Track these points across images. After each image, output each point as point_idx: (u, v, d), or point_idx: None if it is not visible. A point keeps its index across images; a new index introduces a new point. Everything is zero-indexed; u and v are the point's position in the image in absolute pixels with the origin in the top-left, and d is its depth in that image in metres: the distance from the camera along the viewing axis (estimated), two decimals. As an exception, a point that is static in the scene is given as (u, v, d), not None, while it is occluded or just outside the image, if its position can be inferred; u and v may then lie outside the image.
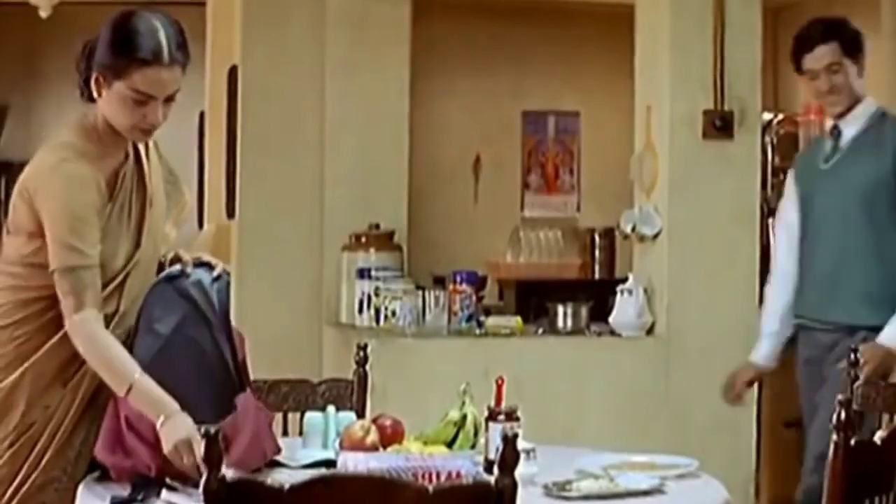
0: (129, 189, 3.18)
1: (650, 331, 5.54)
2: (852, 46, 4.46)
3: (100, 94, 3.09)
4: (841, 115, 4.48)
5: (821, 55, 4.43)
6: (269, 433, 3.11)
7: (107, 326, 3.09)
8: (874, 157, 4.37)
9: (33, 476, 3.07)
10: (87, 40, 3.15)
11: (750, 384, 4.76)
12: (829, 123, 4.58)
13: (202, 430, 2.26)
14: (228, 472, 2.25)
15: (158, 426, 2.94)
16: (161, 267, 3.24)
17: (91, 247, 3.02)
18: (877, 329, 4.25)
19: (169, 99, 3.10)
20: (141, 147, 3.23)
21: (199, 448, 2.82)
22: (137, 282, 3.16)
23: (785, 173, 4.88)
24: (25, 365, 3.09)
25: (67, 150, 3.10)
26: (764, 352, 4.65)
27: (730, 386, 4.69)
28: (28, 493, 3.07)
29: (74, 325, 3.01)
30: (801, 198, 4.54)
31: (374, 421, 3.32)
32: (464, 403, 3.37)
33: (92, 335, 3.02)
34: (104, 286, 3.10)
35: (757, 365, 4.67)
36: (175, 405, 2.96)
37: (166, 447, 2.91)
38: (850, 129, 4.47)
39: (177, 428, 2.92)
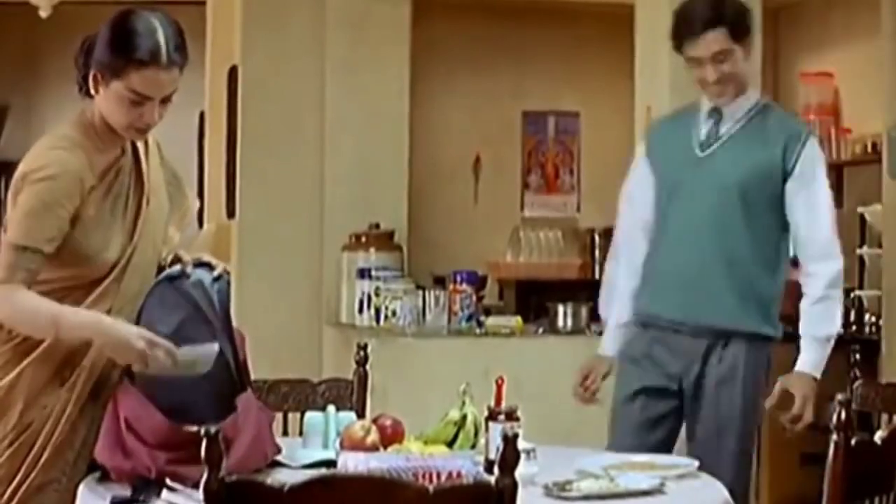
0: (126, 184, 3.18)
1: (650, 331, 5.53)
2: (741, 30, 3.91)
3: (97, 92, 3.09)
4: (724, 101, 3.98)
5: (706, 43, 3.87)
6: (269, 434, 3.11)
7: None
8: (758, 151, 3.90)
9: (32, 476, 3.07)
10: (87, 36, 3.16)
11: (604, 378, 4.22)
12: (706, 104, 3.99)
13: (203, 429, 2.26)
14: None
15: (99, 343, 3.00)
16: (161, 268, 3.24)
17: (46, 235, 3.02)
18: (754, 336, 3.89)
19: (166, 99, 3.10)
20: (140, 145, 3.24)
21: (158, 338, 2.95)
22: (135, 282, 3.15)
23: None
24: (23, 364, 3.08)
25: (62, 139, 3.11)
26: (615, 343, 4.14)
27: (582, 385, 4.22)
28: (27, 494, 3.07)
29: None
30: (665, 181, 4.01)
31: (374, 421, 3.32)
32: (464, 403, 3.37)
33: (11, 298, 3.02)
34: (99, 280, 3.10)
35: (608, 357, 4.17)
36: (101, 316, 3.02)
37: (122, 359, 2.98)
38: (733, 116, 3.96)
39: (124, 332, 2.99)
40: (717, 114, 3.97)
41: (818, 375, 3.80)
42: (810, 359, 3.80)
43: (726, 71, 3.88)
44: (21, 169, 3.08)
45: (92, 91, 3.10)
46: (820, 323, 3.82)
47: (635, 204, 4.08)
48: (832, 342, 3.84)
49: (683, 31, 3.92)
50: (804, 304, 3.86)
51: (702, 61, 3.89)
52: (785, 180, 3.88)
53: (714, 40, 3.86)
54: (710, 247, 3.90)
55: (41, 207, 3.02)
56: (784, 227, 3.91)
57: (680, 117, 4.12)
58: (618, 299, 4.11)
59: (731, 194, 3.88)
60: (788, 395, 3.79)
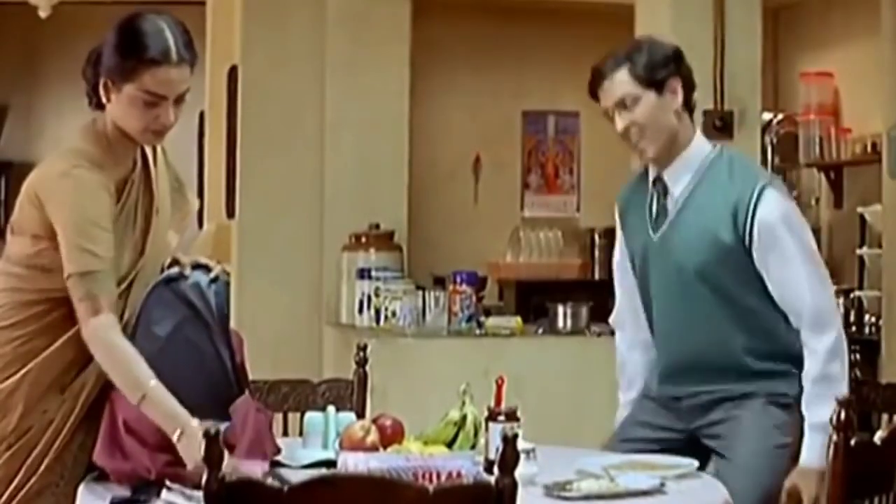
0: (136, 197, 3.17)
1: (650, 331, 5.53)
2: (652, 72, 3.45)
3: (109, 100, 3.07)
4: (662, 164, 3.51)
5: (611, 87, 3.46)
6: (269, 434, 3.11)
7: None
8: (708, 226, 3.44)
9: (31, 482, 3.06)
10: (93, 48, 3.14)
11: None
12: (652, 172, 3.55)
13: (203, 429, 2.26)
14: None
15: (175, 439, 2.90)
16: (161, 270, 3.24)
17: (105, 251, 3.00)
18: (753, 395, 3.49)
19: (179, 99, 3.09)
20: (149, 153, 3.22)
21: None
22: (141, 291, 3.15)
23: (785, 173, 4.83)
24: (25, 368, 3.07)
25: (80, 156, 3.07)
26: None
27: None
28: (25, 498, 3.07)
29: (91, 331, 2.96)
30: (635, 261, 3.66)
31: (374, 421, 3.32)
32: (464, 403, 3.37)
33: (108, 341, 2.98)
34: None
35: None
36: (188, 417, 2.93)
37: (190, 464, 2.86)
38: (677, 184, 3.50)
39: (198, 439, 2.81)
40: (661, 184, 3.53)
41: (824, 464, 3.16)
42: (815, 451, 3.36)
43: (636, 119, 3.44)
44: (42, 190, 3.03)
45: (104, 99, 3.07)
46: (821, 407, 3.32)
47: (624, 274, 3.76)
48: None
49: (594, 80, 3.51)
50: (805, 381, 3.44)
51: (609, 112, 3.49)
52: (749, 253, 3.42)
53: (618, 83, 3.45)
54: (692, 335, 3.54)
55: (85, 230, 2.98)
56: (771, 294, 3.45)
57: (639, 185, 3.64)
58: (625, 375, 3.86)
59: (692, 280, 3.46)
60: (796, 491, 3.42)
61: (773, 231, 3.39)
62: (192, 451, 2.85)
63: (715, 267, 3.44)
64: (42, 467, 3.06)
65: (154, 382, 2.96)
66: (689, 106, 3.56)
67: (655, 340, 3.66)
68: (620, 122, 3.46)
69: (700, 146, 3.53)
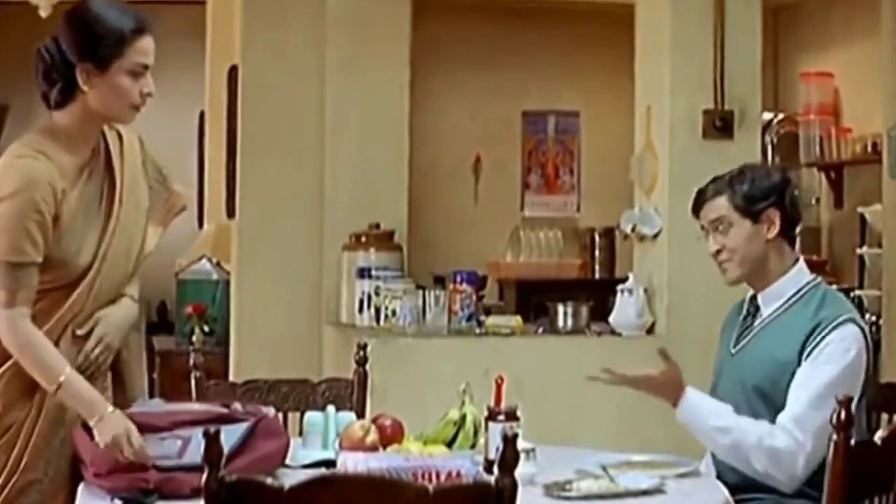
0: (99, 186, 3.16)
1: (650, 331, 5.53)
2: (749, 203, 3.56)
3: (91, 87, 3.06)
4: (759, 287, 3.64)
5: (707, 209, 3.63)
6: (281, 456, 3.11)
7: (67, 324, 3.09)
8: (782, 347, 3.51)
9: (13, 480, 3.06)
10: (42, 47, 3.15)
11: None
12: (750, 291, 3.70)
13: (203, 430, 2.26)
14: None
15: (92, 424, 2.97)
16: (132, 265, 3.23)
17: (33, 245, 3.00)
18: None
19: (147, 68, 3.12)
20: (113, 144, 3.21)
21: (137, 439, 2.94)
22: (109, 284, 3.14)
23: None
24: (2, 368, 3.07)
25: (26, 146, 3.08)
26: None
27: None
28: (9, 496, 3.06)
29: (2, 320, 3.01)
30: (714, 373, 3.77)
31: (374, 421, 3.32)
32: (464, 403, 3.37)
33: (21, 331, 3.01)
34: (73, 284, 3.09)
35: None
36: (108, 405, 3.01)
37: (103, 441, 2.94)
38: (769, 307, 3.61)
39: (114, 423, 2.97)
40: (754, 305, 3.66)
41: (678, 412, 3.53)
42: (693, 397, 3.51)
43: (727, 244, 3.58)
44: None
45: (84, 88, 3.06)
46: (725, 422, 3.45)
47: None
48: (713, 437, 3.49)
49: (697, 200, 3.68)
50: (751, 433, 3.44)
51: (704, 228, 3.65)
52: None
53: (716, 207, 3.60)
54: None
55: (19, 220, 2.98)
56: None
57: (741, 307, 3.74)
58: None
59: (751, 395, 3.52)
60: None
61: (831, 353, 3.44)
62: (106, 432, 2.95)
63: (771, 385, 3.49)
64: (23, 464, 3.05)
65: (68, 370, 3.00)
66: (789, 235, 3.65)
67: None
68: (712, 243, 3.62)
69: (799, 275, 3.62)
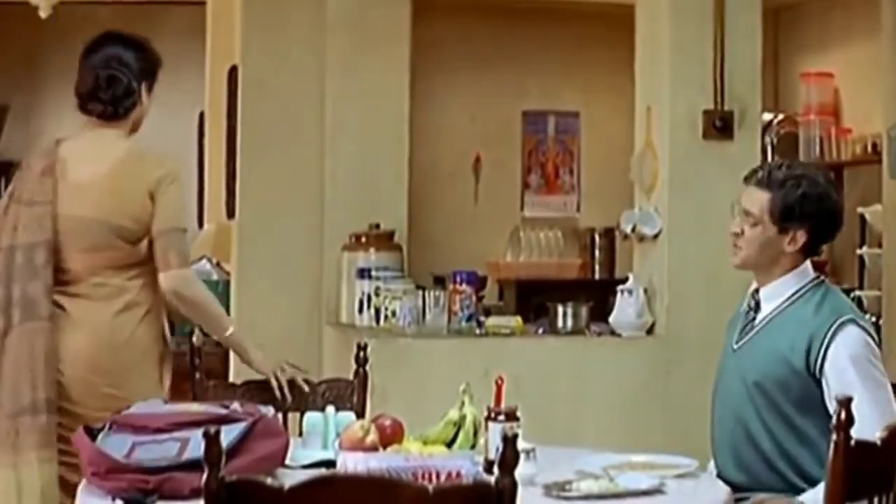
0: None
1: (650, 331, 5.53)
2: (783, 214, 3.53)
3: (144, 101, 3.80)
4: (763, 281, 3.64)
5: (748, 193, 3.60)
6: (280, 456, 3.11)
7: None
8: (782, 346, 3.50)
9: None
10: (109, 76, 3.69)
11: None
12: (752, 285, 3.70)
13: (203, 430, 2.26)
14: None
15: (254, 360, 3.89)
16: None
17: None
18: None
19: None
20: None
21: (290, 368, 3.99)
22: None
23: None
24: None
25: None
26: None
27: None
28: None
29: (191, 275, 3.77)
30: (717, 370, 3.78)
31: (374, 421, 3.32)
32: (464, 403, 3.37)
33: (202, 286, 3.82)
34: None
35: None
36: (256, 349, 3.92)
37: (269, 368, 3.92)
38: (770, 303, 3.61)
39: (268, 360, 3.95)
40: (755, 300, 3.65)
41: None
42: (812, 496, 3.37)
43: (745, 236, 3.57)
44: (161, 172, 3.68)
45: (143, 101, 3.79)
46: None
47: None
48: None
49: (750, 174, 3.63)
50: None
51: (738, 203, 3.65)
52: (819, 385, 3.45)
53: (755, 199, 3.56)
54: (739, 448, 3.58)
55: (183, 195, 3.76)
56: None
57: (745, 299, 3.75)
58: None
59: (751, 392, 3.54)
60: None
61: (843, 375, 3.41)
62: (266, 365, 3.94)
63: (774, 385, 3.50)
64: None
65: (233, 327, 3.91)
66: (810, 253, 3.63)
67: (711, 447, 3.70)
68: (735, 224, 3.62)
69: (802, 273, 3.60)
